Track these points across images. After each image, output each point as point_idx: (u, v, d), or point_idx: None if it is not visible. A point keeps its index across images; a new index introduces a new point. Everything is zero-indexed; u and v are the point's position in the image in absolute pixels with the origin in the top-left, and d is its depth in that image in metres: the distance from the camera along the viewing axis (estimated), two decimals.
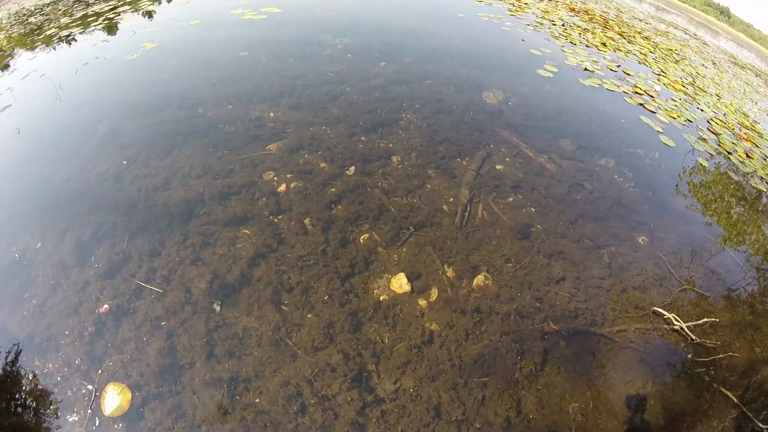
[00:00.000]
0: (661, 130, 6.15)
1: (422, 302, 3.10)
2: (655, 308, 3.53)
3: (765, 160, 6.98)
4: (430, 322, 2.98)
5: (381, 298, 3.07)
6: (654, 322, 3.49)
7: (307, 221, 3.55)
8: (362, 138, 4.50)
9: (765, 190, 5.98)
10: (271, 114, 4.80)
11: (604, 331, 3.25)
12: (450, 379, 2.70)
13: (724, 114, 7.95)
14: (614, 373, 3.07)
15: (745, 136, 7.42)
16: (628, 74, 7.55)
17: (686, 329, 3.44)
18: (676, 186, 5.19)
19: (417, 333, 2.89)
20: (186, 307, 2.88)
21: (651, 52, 9.28)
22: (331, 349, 2.73)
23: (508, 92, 5.66)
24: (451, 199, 3.90)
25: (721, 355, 3.38)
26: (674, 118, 6.73)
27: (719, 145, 6.64)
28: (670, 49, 10.15)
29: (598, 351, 3.15)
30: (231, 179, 3.85)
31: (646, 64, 8.50)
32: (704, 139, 6.60)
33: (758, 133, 7.92)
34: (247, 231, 3.42)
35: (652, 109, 6.65)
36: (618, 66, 7.74)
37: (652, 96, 7.06)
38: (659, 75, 8.25)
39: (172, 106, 4.91)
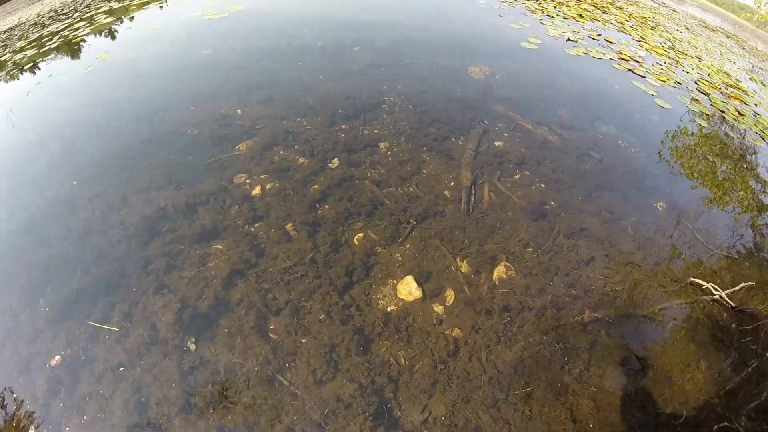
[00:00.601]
0: (655, 94, 5.73)
1: (438, 307, 2.56)
2: (692, 279, 3.08)
3: (756, 116, 6.66)
4: (450, 330, 2.44)
5: (389, 309, 2.53)
6: (693, 294, 3.02)
7: (289, 226, 2.98)
8: (343, 126, 3.94)
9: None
10: (239, 111, 4.22)
11: (646, 312, 2.77)
12: (488, 396, 2.17)
13: (709, 75, 7.62)
14: (664, 356, 2.59)
15: (733, 95, 7.09)
16: (610, 42, 7.14)
17: (725, 297, 3.00)
18: (661, 150, 4.70)
19: (439, 345, 2.35)
20: (153, 349, 2.28)
21: (627, 20, 8.90)
22: (339, 380, 2.17)
23: (495, 67, 5.16)
24: (452, 183, 3.37)
25: (764, 321, 2.95)
26: (664, 81, 6.34)
27: (712, 105, 6.27)
28: (644, 17, 9.81)
29: (643, 334, 2.67)
30: (197, 188, 3.26)
31: (625, 31, 8.11)
32: (697, 100, 6.23)
33: (743, 90, 7.62)
34: (219, 246, 2.83)
35: (642, 73, 6.23)
36: (599, 35, 7.32)
37: (638, 61, 6.65)
38: (640, 41, 7.86)
39: (129, 115, 4.30)
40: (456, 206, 3.18)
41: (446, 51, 5.48)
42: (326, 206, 3.17)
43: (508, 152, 3.78)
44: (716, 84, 7.22)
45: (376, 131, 3.90)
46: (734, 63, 9.42)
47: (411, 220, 3.05)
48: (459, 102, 4.37)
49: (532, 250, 2.97)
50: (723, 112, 6.24)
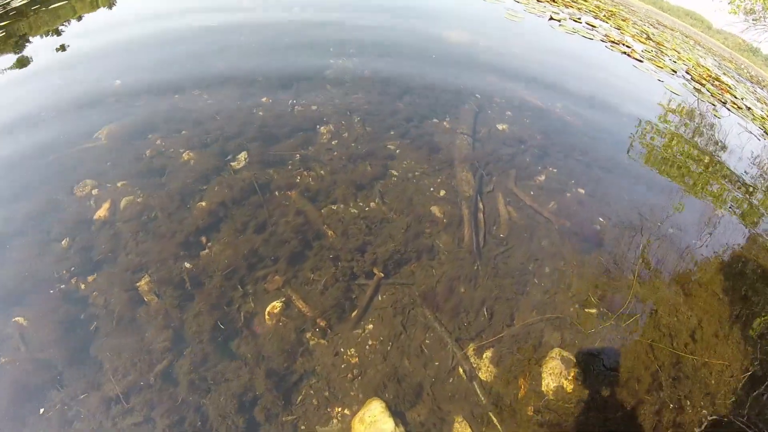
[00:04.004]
0: (662, 80, 4.53)
1: None
2: None
3: (749, 110, 5.70)
4: None
5: None
6: None
7: (143, 284, 1.41)
8: (263, 100, 2.34)
9: None
10: (118, 82, 2.53)
11: None
12: None
13: (692, 66, 6.66)
14: None
15: (723, 88, 6.13)
16: (592, 26, 5.94)
17: None
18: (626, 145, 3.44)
19: None
20: None
21: (598, 10, 7.81)
22: None
23: (476, 33, 3.73)
24: (443, 192, 1.85)
25: None
26: (661, 68, 5.18)
27: (712, 96, 5.19)
28: (611, 12, 8.80)
29: None
30: (13, 207, 1.59)
31: (601, 19, 7.01)
32: (699, 90, 5.13)
33: (727, 85, 6.69)
34: (20, 319, 1.21)
35: (638, 57, 5.05)
36: (579, 18, 6.13)
37: (628, 46, 5.46)
38: (619, 29, 6.78)
39: None
40: (454, 235, 1.65)
41: (413, 12, 3.98)
42: (217, 241, 1.57)
43: (520, 139, 2.31)
44: (704, 76, 6.24)
45: (314, 107, 2.31)
46: (704, 59, 8.63)
47: (375, 271, 1.50)
48: (437, 68, 2.85)
49: (596, 312, 1.51)
50: (724, 103, 5.20)
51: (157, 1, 3.84)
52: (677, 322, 1.56)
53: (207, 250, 1.55)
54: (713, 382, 1.42)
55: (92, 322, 1.31)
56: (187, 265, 1.48)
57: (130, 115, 2.25)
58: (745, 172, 3.13)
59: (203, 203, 1.72)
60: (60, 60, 2.87)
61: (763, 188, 2.99)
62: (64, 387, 1.14)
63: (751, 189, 2.87)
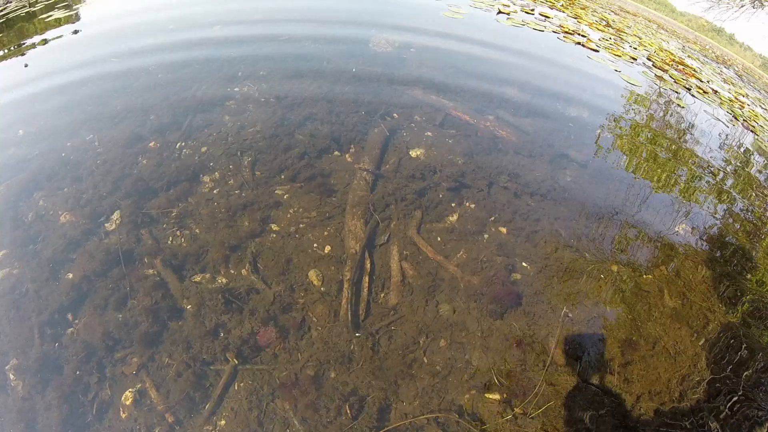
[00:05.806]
0: (619, 69, 4.25)
1: None
2: None
3: (715, 93, 5.45)
4: None
5: None
6: None
7: (10, 369, 1.27)
8: (150, 144, 2.02)
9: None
10: (21, 131, 2.22)
11: None
12: None
13: (654, 51, 6.39)
14: None
15: (688, 72, 5.87)
16: (546, 17, 5.63)
17: None
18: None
19: None
20: None
21: (555, 0, 7.48)
22: None
23: (407, 37, 3.40)
24: (328, 249, 1.54)
25: None
26: (619, 56, 4.91)
27: (676, 82, 4.93)
28: (570, 0, 8.50)
29: None
30: None
31: (558, 9, 6.70)
32: (660, 77, 4.85)
33: (692, 68, 6.44)
34: None
35: (594, 47, 4.75)
36: (532, 10, 5.81)
37: (584, 36, 5.17)
38: (576, 18, 6.48)
39: None
40: (330, 307, 1.35)
41: (341, 19, 3.62)
42: (84, 317, 1.35)
43: (435, 167, 2.00)
44: (667, 61, 5.97)
45: (204, 148, 1.99)
46: (668, 42, 8.38)
47: (229, 357, 1.21)
48: (353, 86, 2.51)
49: (500, 398, 1.22)
50: (689, 89, 4.92)
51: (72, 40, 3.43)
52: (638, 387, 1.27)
53: (73, 329, 1.33)
54: None
55: None
56: (50, 346, 1.28)
57: (24, 170, 1.95)
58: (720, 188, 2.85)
59: (71, 275, 1.47)
60: None
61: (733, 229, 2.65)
62: None
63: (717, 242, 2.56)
